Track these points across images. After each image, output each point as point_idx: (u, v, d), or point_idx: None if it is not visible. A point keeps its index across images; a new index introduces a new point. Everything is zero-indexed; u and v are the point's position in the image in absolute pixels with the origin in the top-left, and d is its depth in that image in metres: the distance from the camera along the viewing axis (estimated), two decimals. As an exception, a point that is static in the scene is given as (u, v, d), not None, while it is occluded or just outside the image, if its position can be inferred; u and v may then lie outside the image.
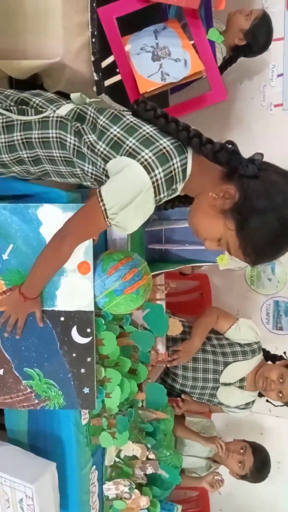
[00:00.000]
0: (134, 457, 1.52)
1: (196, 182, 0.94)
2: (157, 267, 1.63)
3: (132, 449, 1.41)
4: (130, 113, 0.99)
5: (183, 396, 1.82)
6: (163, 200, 0.95)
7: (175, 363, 1.71)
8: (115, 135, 0.93)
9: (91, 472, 1.34)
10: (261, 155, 0.91)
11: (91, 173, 0.99)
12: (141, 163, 0.89)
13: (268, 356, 1.85)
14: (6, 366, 1.18)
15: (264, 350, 1.86)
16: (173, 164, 0.90)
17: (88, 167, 0.98)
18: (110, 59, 1.35)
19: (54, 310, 1.16)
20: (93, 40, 1.31)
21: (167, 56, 1.28)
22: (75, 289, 1.16)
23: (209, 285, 2.48)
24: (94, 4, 1.29)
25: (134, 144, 0.91)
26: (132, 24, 1.34)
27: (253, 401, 1.84)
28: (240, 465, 1.78)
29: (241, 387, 1.78)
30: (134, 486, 1.42)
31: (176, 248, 1.69)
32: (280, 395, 1.68)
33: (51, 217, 1.12)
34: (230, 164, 0.91)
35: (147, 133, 0.92)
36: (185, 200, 1.08)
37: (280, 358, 1.84)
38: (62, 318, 1.17)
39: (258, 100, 2.43)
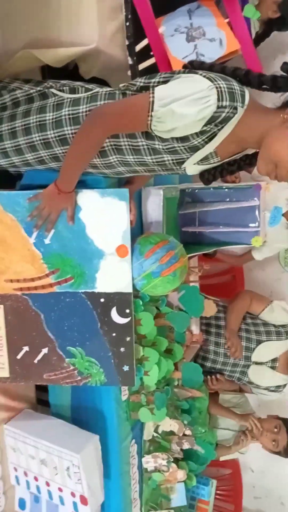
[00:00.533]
0: (171, 433, 1.58)
1: (258, 117, 0.92)
2: (191, 249, 1.65)
3: (169, 424, 1.46)
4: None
5: (218, 376, 1.84)
6: (222, 117, 0.89)
7: (238, 356, 1.75)
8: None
9: (131, 445, 1.41)
10: None
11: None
12: (204, 76, 0.90)
13: None
14: (50, 345, 1.25)
15: None
16: (233, 85, 0.90)
17: None
18: (144, 42, 1.35)
19: (94, 292, 1.21)
20: (127, 23, 1.31)
21: (201, 36, 1.27)
22: (114, 272, 1.20)
23: (242, 267, 2.47)
24: (127, -13, 1.29)
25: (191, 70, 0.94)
26: (165, 5, 1.32)
27: (285, 385, 1.84)
28: (274, 443, 1.81)
29: (272, 368, 1.79)
30: (172, 460, 1.48)
31: (210, 230, 1.70)
32: None
33: (90, 202, 1.16)
34: None
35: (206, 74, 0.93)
36: (247, 158, 1.05)
37: None
38: (102, 300, 1.21)
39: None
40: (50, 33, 1.27)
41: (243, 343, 1.78)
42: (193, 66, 0.97)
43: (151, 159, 1.03)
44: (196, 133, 0.93)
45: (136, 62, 1.36)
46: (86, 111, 1.03)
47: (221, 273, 2.49)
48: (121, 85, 1.03)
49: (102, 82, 1.57)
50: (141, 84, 0.99)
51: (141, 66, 1.39)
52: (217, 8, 1.30)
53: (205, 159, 1.00)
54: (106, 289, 1.21)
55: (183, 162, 1.02)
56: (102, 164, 1.09)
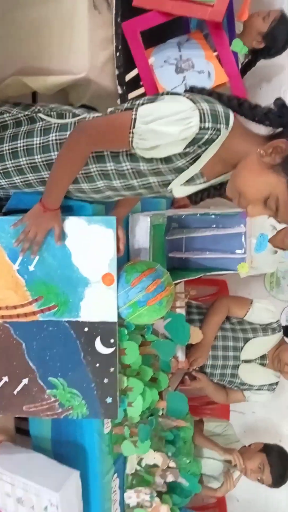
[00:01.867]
0: (155, 465, 1.53)
1: (239, 142, 0.92)
2: (177, 275, 1.64)
3: (153, 457, 1.42)
4: None
5: (196, 374, 1.78)
6: (205, 139, 0.89)
7: (194, 366, 1.73)
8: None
9: (113, 480, 1.36)
10: None
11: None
12: (187, 97, 0.89)
13: None
14: (31, 375, 1.20)
15: (287, 327, 1.86)
16: (217, 108, 0.89)
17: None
18: (134, 72, 1.37)
19: (78, 321, 1.18)
20: (117, 54, 1.33)
21: (190, 68, 1.29)
22: (99, 300, 1.18)
23: (227, 291, 2.48)
24: (118, 19, 1.31)
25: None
26: (155, 36, 1.35)
27: (277, 383, 1.83)
28: (259, 480, 1.77)
29: (262, 364, 1.77)
30: (155, 494, 1.43)
31: (197, 256, 1.70)
32: None
33: (76, 230, 1.14)
34: (283, 120, 0.90)
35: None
36: (220, 187, 1.05)
37: None
38: (86, 329, 1.18)
39: (278, 103, 2.41)
40: (41, 60, 1.28)
41: (231, 343, 1.76)
42: (192, 91, 0.97)
43: (137, 182, 1.03)
44: (179, 154, 0.93)
45: (126, 92, 1.37)
46: None
47: (208, 297, 2.48)
48: (108, 109, 1.04)
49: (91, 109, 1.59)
50: (127, 106, 1.00)
51: (131, 95, 1.40)
52: (205, 41, 1.33)
53: (191, 180, 1.00)
54: (90, 318, 1.18)
55: (169, 184, 1.01)
56: (90, 189, 1.09)
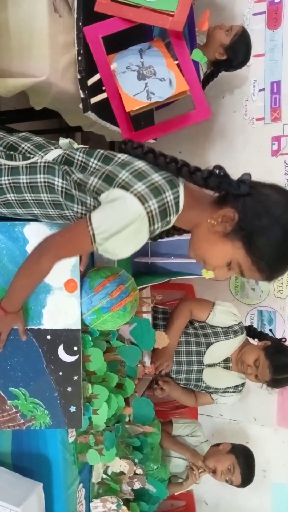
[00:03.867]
0: (122, 473, 1.51)
1: (191, 213, 0.95)
2: (143, 280, 1.64)
3: (119, 465, 1.40)
4: (120, 153, 1.00)
5: (163, 379, 1.79)
6: (157, 232, 0.95)
7: (161, 371, 1.73)
8: (107, 169, 0.94)
9: (78, 490, 1.33)
10: (249, 175, 0.94)
11: (81, 213, 1.00)
12: (135, 195, 0.89)
13: (255, 334, 1.86)
14: (-9, 385, 1.16)
15: (250, 328, 1.89)
16: (166, 197, 0.91)
17: (77, 208, 0.99)
18: (96, 77, 1.36)
19: (40, 329, 1.16)
20: (79, 58, 1.32)
21: (152, 75, 1.30)
22: (61, 307, 1.16)
23: (194, 296, 2.50)
24: (80, 23, 1.31)
25: (127, 177, 0.91)
26: (117, 43, 1.35)
27: (243, 384, 1.84)
28: (227, 481, 1.79)
29: (226, 368, 1.79)
30: (122, 503, 1.42)
31: (162, 261, 1.71)
32: (256, 378, 1.71)
33: (38, 235, 1.12)
34: (221, 188, 0.93)
35: (139, 167, 0.93)
36: (179, 228, 1.07)
37: (265, 336, 1.86)
38: (48, 337, 1.16)
39: (240, 114, 2.48)
40: (1, 62, 1.25)
41: (193, 348, 1.77)
42: (126, 146, 0.98)
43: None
44: None
45: (88, 96, 1.37)
46: (27, 183, 1.00)
47: (175, 302, 2.49)
48: (58, 155, 1.00)
49: (54, 113, 1.57)
50: (76, 178, 0.97)
51: (93, 100, 1.40)
52: (167, 50, 1.35)
53: None
54: (53, 326, 1.16)
55: None
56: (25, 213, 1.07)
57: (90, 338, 1.24)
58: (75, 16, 1.31)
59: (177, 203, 0.92)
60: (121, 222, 0.89)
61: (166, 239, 1.71)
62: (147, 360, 1.76)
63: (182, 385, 1.85)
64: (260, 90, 2.42)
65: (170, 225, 0.97)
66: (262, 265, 0.90)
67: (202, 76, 2.14)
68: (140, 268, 1.72)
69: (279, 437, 2.50)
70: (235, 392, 1.86)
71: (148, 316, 1.69)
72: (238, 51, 2.05)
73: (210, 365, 1.79)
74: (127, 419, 1.53)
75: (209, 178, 0.92)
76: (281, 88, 2.38)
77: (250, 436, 2.53)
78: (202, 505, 2.63)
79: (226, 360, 1.80)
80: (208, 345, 1.76)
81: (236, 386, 1.85)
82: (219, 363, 1.80)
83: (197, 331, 1.80)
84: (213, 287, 2.53)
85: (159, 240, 1.69)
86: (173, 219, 0.95)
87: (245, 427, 2.56)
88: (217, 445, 1.91)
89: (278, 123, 2.41)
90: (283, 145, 2.41)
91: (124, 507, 1.46)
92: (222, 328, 1.79)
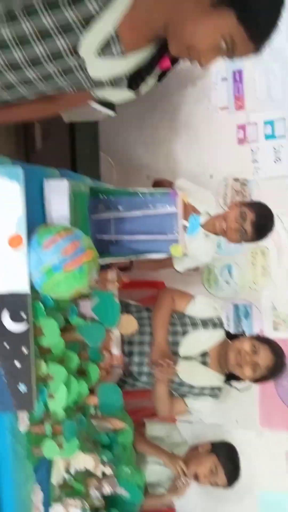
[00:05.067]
0: (88, 475, 1.32)
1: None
2: (106, 259, 1.51)
3: (83, 460, 1.21)
4: None
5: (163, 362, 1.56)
6: None
7: (170, 373, 1.55)
8: None
9: (33, 492, 1.13)
10: None
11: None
12: None
13: (230, 337, 1.72)
14: None
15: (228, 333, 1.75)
16: None
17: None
18: None
19: (-19, 293, 1.00)
20: None
21: None
22: (6, 268, 1.01)
23: (164, 284, 2.37)
24: None
25: None
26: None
27: (220, 389, 1.67)
28: (212, 484, 1.62)
29: (204, 363, 1.63)
30: (88, 508, 1.22)
31: (127, 238, 1.58)
32: (255, 368, 1.53)
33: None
34: None
35: None
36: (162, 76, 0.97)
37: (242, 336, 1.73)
38: (-9, 302, 1.00)
39: (204, 104, 2.46)
40: None
41: (170, 339, 1.61)
42: None
43: (43, 49, 0.87)
44: None
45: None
46: None
47: (146, 299, 2.35)
48: None
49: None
50: None
51: None
52: None
53: (106, 48, 0.88)
54: (-4, 288, 1.00)
55: (79, 46, 0.87)
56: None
57: (42, 307, 1.08)
58: None
59: None
60: None
61: (130, 213, 1.60)
62: (115, 349, 1.59)
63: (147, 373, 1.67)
64: (223, 79, 2.42)
65: None
66: (254, 29, 0.84)
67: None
68: (103, 247, 1.58)
69: (263, 440, 2.34)
70: (210, 395, 1.68)
71: (111, 291, 1.53)
72: None
73: (186, 358, 1.64)
74: (93, 412, 1.35)
75: None
76: (243, 77, 2.38)
77: (233, 441, 2.35)
78: (185, 522, 2.41)
79: (204, 355, 1.65)
80: (185, 334, 1.62)
81: (213, 389, 1.68)
82: (196, 356, 1.65)
83: (175, 321, 1.66)
84: (185, 282, 2.41)
85: (120, 215, 1.58)
86: None
87: (227, 431, 2.39)
88: (196, 447, 1.74)
89: (242, 111, 2.39)
90: (249, 133, 2.39)
91: (91, 515, 1.26)
92: (201, 319, 1.66)
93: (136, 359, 1.62)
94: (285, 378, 2.34)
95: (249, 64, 2.35)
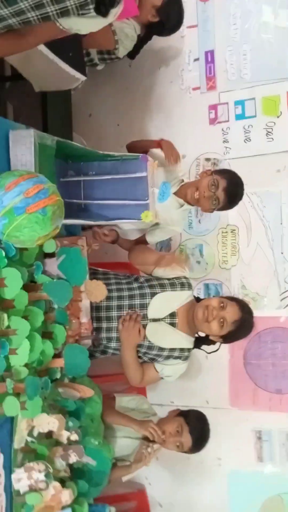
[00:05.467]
0: (54, 443, 1.26)
1: None
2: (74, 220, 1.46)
3: (47, 422, 1.16)
4: None
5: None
6: None
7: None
8: None
9: (-6, 454, 1.07)
10: None
11: None
12: None
13: (198, 301, 1.70)
14: None
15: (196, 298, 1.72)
16: None
17: None
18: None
19: None
20: None
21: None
22: None
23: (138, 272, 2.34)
24: None
25: None
26: None
27: (190, 350, 1.64)
28: (178, 446, 1.59)
29: (172, 324, 1.60)
30: (51, 470, 1.16)
31: (97, 202, 1.54)
32: (222, 323, 1.51)
33: None
34: None
35: None
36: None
37: None
38: None
39: (177, 85, 2.46)
40: None
41: (137, 301, 1.58)
42: None
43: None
44: None
45: None
46: None
47: (116, 267, 2.29)
48: None
49: None
50: None
51: None
52: None
53: None
54: None
55: None
56: None
57: (3, 254, 1.03)
58: None
59: None
60: None
61: (100, 177, 1.57)
62: (85, 318, 1.53)
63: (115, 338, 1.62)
64: (195, 60, 2.42)
65: None
66: None
67: (135, 39, 2.09)
68: (72, 211, 1.53)
69: (233, 419, 2.34)
70: (180, 358, 1.64)
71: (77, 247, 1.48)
72: (170, 13, 2.03)
73: (155, 320, 1.60)
74: (58, 376, 1.29)
75: None
76: (215, 57, 2.39)
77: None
78: (157, 507, 2.37)
79: (172, 316, 1.62)
80: (153, 295, 1.59)
81: (182, 350, 1.64)
82: (165, 317, 1.62)
83: (142, 284, 1.63)
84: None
85: (90, 178, 1.53)
86: None
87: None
88: (165, 417, 1.72)
89: (214, 92, 2.40)
90: (220, 113, 2.40)
91: (56, 483, 1.20)
92: (168, 279, 1.64)
93: (104, 324, 1.58)
94: (253, 356, 2.37)
95: (220, 45, 2.37)
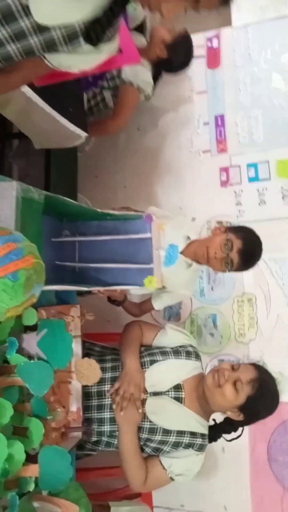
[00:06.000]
0: None
1: None
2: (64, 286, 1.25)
3: None
4: None
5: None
6: None
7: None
8: None
9: None
10: None
11: None
12: None
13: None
14: None
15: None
16: None
17: None
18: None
19: None
20: None
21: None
22: None
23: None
24: None
25: None
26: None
27: (203, 437, 1.28)
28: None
29: (178, 399, 1.27)
30: None
31: (94, 265, 1.34)
32: (236, 386, 1.20)
33: None
34: None
35: None
36: None
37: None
38: None
39: (186, 148, 2.41)
40: None
41: None
42: None
43: None
44: None
45: None
46: None
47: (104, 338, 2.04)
48: None
49: None
50: None
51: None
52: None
53: None
54: None
55: None
56: None
57: None
58: None
59: None
60: None
61: (97, 238, 1.38)
62: (74, 405, 1.26)
63: (108, 431, 1.30)
64: (205, 123, 2.38)
65: None
66: None
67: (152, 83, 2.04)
68: (65, 277, 1.33)
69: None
70: (191, 446, 1.27)
71: (77, 343, 1.24)
72: (179, 50, 1.99)
73: (156, 393, 1.30)
74: (31, 488, 1.00)
75: None
76: (225, 121, 2.34)
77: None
78: None
79: (177, 388, 1.30)
80: (152, 363, 1.32)
81: (193, 434, 1.27)
82: (168, 391, 1.30)
83: (142, 353, 1.37)
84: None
85: (86, 238, 1.34)
86: None
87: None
88: None
89: (225, 155, 2.33)
90: (232, 175, 2.29)
91: None
92: (172, 348, 1.38)
93: (95, 415, 1.29)
94: (280, 451, 1.99)
95: (230, 110, 2.34)
